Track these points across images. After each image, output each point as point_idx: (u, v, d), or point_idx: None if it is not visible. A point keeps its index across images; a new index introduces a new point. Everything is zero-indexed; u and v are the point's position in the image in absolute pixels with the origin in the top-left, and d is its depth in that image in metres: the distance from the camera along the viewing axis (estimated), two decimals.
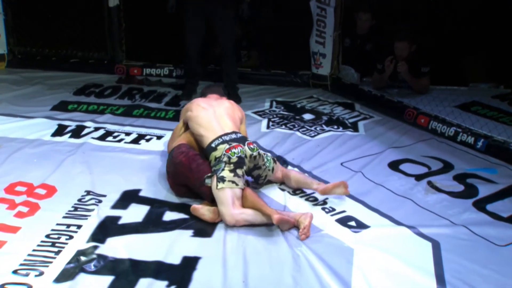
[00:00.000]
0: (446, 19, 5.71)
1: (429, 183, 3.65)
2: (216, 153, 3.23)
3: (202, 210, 3.08)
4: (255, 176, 3.39)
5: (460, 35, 5.61)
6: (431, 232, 3.04)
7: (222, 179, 3.08)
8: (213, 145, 3.27)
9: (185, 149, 3.36)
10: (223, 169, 3.12)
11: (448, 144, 4.31)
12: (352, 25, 5.64)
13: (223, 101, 3.70)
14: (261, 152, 3.39)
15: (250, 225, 3.01)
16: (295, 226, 3.00)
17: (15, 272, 2.52)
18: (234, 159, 3.17)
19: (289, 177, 3.50)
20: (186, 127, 3.64)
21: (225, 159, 3.17)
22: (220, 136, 3.30)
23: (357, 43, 5.67)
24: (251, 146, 3.31)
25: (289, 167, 3.77)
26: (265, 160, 3.38)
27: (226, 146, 3.23)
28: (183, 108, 3.75)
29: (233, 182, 3.08)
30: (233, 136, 3.31)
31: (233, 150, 3.20)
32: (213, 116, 3.46)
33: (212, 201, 3.12)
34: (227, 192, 3.05)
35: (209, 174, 3.15)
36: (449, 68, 5.62)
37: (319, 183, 3.44)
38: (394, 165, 3.92)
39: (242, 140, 3.32)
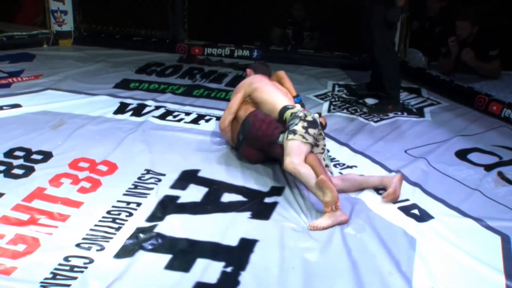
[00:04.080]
0: None
1: (499, 174, 3.47)
2: (293, 110, 3.28)
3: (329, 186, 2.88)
4: None
5: None
6: (500, 225, 2.89)
7: (293, 132, 3.13)
8: (288, 106, 3.35)
9: (261, 115, 3.41)
10: (296, 124, 3.16)
11: None
12: (421, 7, 5.42)
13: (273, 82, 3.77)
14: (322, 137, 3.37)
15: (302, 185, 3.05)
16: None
17: (78, 245, 2.57)
18: (309, 118, 3.19)
19: (347, 180, 3.23)
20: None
21: (301, 114, 3.21)
22: (288, 105, 3.38)
23: (425, 26, 5.45)
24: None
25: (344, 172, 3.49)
26: (325, 149, 3.33)
27: (299, 107, 3.33)
28: (243, 83, 3.71)
29: (303, 137, 3.10)
30: (298, 107, 3.39)
31: (307, 112, 3.27)
32: (276, 90, 3.59)
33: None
34: (295, 143, 3.09)
35: (282, 130, 3.20)
36: None
37: (374, 177, 3.25)
38: (462, 154, 3.75)
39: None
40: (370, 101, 4.75)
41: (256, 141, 3.37)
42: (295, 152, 3.06)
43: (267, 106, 3.49)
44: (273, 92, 3.54)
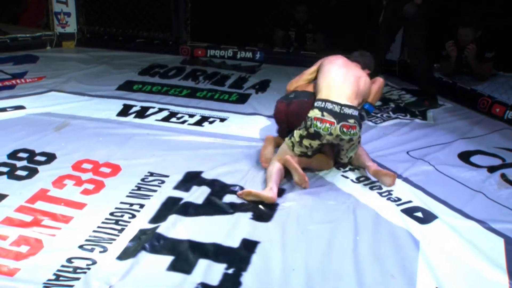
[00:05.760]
0: None
1: (503, 176, 3.46)
2: (310, 113, 3.27)
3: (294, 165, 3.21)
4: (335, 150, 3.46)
5: None
6: (503, 227, 2.88)
7: (291, 136, 3.32)
8: (315, 103, 3.29)
9: (306, 98, 3.45)
10: (299, 129, 3.29)
11: None
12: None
13: (359, 71, 3.53)
14: (356, 140, 3.31)
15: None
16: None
17: (81, 247, 2.57)
18: (311, 129, 3.23)
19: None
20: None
21: (308, 123, 3.25)
22: (328, 101, 3.26)
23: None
24: (346, 130, 3.22)
25: None
26: (350, 149, 3.37)
27: (319, 114, 3.22)
28: (324, 58, 3.64)
29: (292, 145, 3.29)
30: (337, 109, 3.23)
31: (318, 123, 3.22)
32: (340, 77, 3.38)
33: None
34: (284, 147, 3.36)
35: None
36: None
37: (373, 163, 3.39)
38: (465, 156, 3.74)
39: (342, 118, 3.22)
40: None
41: (293, 114, 3.43)
42: (279, 153, 3.36)
43: (316, 87, 3.46)
44: (329, 77, 3.39)
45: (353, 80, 3.38)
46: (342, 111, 3.22)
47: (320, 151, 3.42)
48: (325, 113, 3.21)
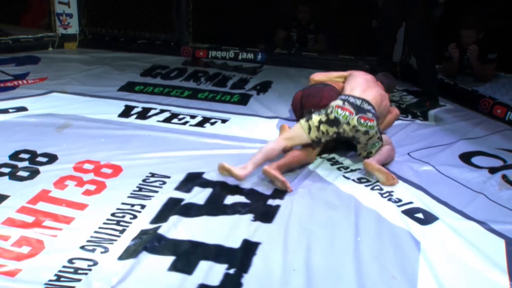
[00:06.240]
0: None
1: (504, 177, 3.46)
2: (332, 103, 3.41)
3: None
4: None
5: None
6: (504, 228, 2.88)
7: (309, 119, 3.37)
8: (339, 97, 3.46)
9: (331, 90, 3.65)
10: (318, 114, 3.38)
11: None
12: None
13: (383, 92, 3.71)
14: (373, 134, 3.39)
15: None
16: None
17: (82, 247, 2.58)
18: (331, 115, 3.32)
19: None
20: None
21: (329, 110, 3.36)
22: (350, 95, 3.44)
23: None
24: (363, 121, 3.35)
25: None
26: (369, 142, 3.43)
27: (340, 103, 3.37)
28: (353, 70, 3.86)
29: (309, 128, 3.34)
30: (358, 102, 3.39)
31: (339, 110, 3.33)
32: (365, 85, 3.58)
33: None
34: (297, 126, 3.42)
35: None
36: None
37: (373, 159, 3.41)
38: (466, 157, 3.74)
39: (361, 110, 3.36)
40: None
41: (306, 96, 3.70)
42: (289, 133, 3.45)
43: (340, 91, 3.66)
44: (353, 83, 3.58)
45: (377, 95, 3.56)
46: (362, 105, 3.38)
47: (327, 145, 3.53)
48: (346, 103, 3.37)
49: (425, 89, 4.77)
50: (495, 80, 5.04)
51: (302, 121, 3.42)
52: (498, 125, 4.33)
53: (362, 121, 3.34)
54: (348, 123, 3.33)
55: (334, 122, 3.33)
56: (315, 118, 3.37)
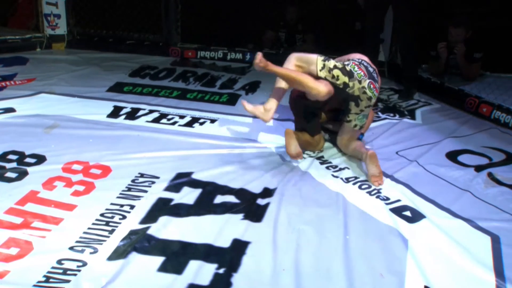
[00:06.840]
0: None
1: (489, 175, 3.50)
2: (348, 60, 3.47)
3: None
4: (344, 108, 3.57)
5: None
6: (490, 226, 2.91)
7: (327, 59, 3.38)
8: (353, 59, 3.51)
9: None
10: (336, 61, 3.40)
11: (511, 135, 4.12)
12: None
13: None
14: (373, 103, 3.52)
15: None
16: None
17: (71, 248, 2.57)
18: (348, 67, 3.39)
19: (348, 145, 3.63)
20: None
21: (346, 63, 3.42)
22: (365, 60, 3.50)
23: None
24: (372, 87, 3.44)
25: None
26: (364, 111, 3.50)
27: (357, 62, 3.45)
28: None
29: (323, 66, 3.33)
30: (371, 70, 3.47)
31: (356, 67, 3.40)
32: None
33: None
34: (312, 58, 3.38)
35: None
36: None
37: (367, 150, 3.45)
38: (452, 155, 3.78)
39: (371, 77, 3.44)
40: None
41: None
42: (303, 56, 3.43)
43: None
44: (362, 57, 3.60)
45: None
46: (373, 74, 3.47)
47: (329, 110, 3.69)
48: (362, 65, 3.44)
49: (406, 83, 5.00)
50: (481, 79, 5.10)
51: (320, 58, 3.40)
52: (484, 123, 4.37)
53: (371, 86, 3.42)
54: (360, 82, 3.39)
55: (348, 73, 3.38)
56: (332, 62, 3.38)
